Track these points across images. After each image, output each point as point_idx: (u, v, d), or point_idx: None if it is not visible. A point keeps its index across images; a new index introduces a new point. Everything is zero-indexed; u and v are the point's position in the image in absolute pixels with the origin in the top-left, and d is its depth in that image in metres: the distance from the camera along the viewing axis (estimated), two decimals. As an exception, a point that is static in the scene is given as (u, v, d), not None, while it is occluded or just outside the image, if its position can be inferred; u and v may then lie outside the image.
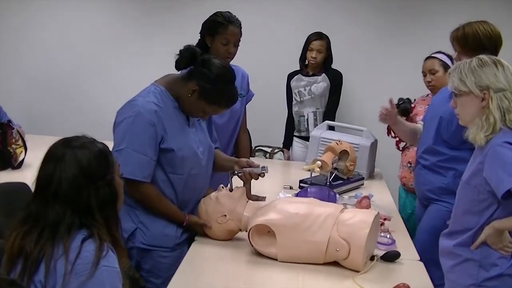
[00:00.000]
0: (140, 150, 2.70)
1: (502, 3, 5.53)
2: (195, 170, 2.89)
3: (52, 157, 1.92)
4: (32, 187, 1.96)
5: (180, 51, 2.76)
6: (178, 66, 2.79)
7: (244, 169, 3.03)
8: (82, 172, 1.89)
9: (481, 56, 2.38)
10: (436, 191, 3.21)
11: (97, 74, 6.16)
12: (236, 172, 3.03)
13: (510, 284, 2.29)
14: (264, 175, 3.04)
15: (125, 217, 2.75)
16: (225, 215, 2.81)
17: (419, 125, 3.56)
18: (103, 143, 2.01)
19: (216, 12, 3.39)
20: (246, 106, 3.76)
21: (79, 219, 1.88)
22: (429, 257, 2.76)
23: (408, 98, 4.39)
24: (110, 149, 2.06)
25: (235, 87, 2.84)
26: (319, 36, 5.08)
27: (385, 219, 3.05)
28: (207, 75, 2.73)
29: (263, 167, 3.02)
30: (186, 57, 2.75)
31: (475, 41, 2.95)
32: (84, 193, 1.89)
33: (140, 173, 2.72)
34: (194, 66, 2.77)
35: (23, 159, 4.17)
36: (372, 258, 2.70)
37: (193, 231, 2.92)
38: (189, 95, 2.76)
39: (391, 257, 2.73)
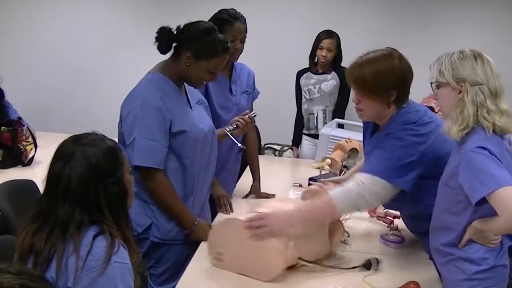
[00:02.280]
0: (150, 137, 2.70)
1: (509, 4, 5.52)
2: (205, 151, 2.92)
3: (62, 154, 1.93)
4: (42, 184, 1.97)
5: (157, 35, 2.78)
6: (162, 49, 2.81)
7: (234, 119, 3.18)
8: (91, 169, 1.89)
9: (463, 49, 2.32)
10: (419, 232, 2.92)
11: (107, 71, 6.20)
12: (230, 127, 3.12)
13: (503, 273, 2.28)
14: (255, 116, 3.26)
15: (140, 211, 2.82)
16: None
17: None
18: (113, 140, 2.01)
19: (221, 9, 3.38)
20: (256, 104, 3.75)
21: (89, 216, 1.89)
22: None
23: None
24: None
25: (221, 35, 2.85)
26: (329, 34, 5.07)
27: (394, 217, 3.04)
28: (192, 36, 2.76)
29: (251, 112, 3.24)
30: (165, 37, 2.78)
31: (374, 80, 2.54)
32: (93, 191, 1.89)
33: (152, 160, 2.72)
34: (176, 39, 2.79)
35: (33, 156, 4.20)
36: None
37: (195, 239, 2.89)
38: (187, 64, 2.77)
39: (368, 265, 2.61)
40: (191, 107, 2.93)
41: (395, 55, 2.61)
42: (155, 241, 2.85)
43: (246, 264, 2.51)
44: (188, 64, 2.77)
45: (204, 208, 3.06)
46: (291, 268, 2.54)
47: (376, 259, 2.62)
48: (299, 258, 2.50)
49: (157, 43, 2.80)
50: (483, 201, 2.08)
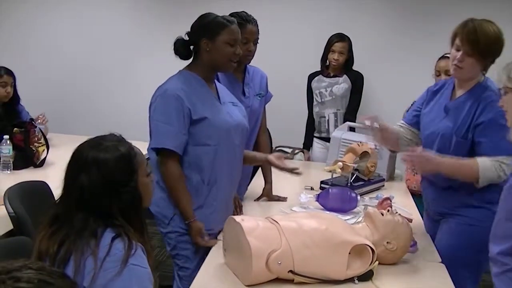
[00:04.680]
0: (166, 121, 2.82)
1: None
2: (230, 143, 2.98)
3: (76, 162, 1.94)
4: (54, 186, 1.98)
5: (174, 47, 2.96)
6: (183, 55, 2.99)
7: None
8: (103, 180, 1.89)
9: None
10: (450, 207, 3.00)
11: (118, 72, 6.22)
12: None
13: None
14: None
15: (165, 203, 2.92)
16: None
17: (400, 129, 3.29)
18: (128, 145, 2.00)
19: (232, 13, 3.37)
20: (267, 106, 3.76)
21: (104, 222, 1.89)
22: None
23: None
24: (142, 150, 2.06)
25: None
26: (341, 37, 5.07)
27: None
28: (199, 26, 2.94)
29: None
30: (181, 45, 2.96)
31: (486, 44, 2.78)
32: (106, 201, 1.89)
33: (169, 142, 2.82)
34: (190, 41, 2.96)
35: (45, 158, 4.21)
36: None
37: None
38: (208, 49, 2.92)
39: (366, 276, 2.50)
40: (220, 102, 3.02)
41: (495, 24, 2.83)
42: (180, 232, 2.93)
43: (236, 263, 2.52)
44: (208, 49, 2.91)
45: (229, 206, 3.13)
46: (290, 282, 2.43)
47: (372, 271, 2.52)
48: (290, 271, 2.39)
49: (177, 55, 2.98)
50: None
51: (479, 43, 2.75)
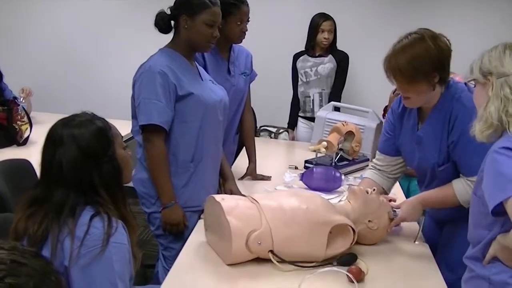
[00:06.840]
0: (153, 97, 2.82)
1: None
2: (215, 119, 3.01)
3: (51, 140, 1.93)
4: (38, 167, 1.97)
5: (155, 19, 2.97)
6: (162, 28, 2.98)
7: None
8: (81, 153, 1.89)
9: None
10: (454, 215, 2.69)
11: (100, 53, 6.18)
12: None
13: None
14: None
15: (151, 183, 2.94)
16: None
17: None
18: (101, 119, 2.01)
19: None
20: (252, 86, 3.75)
21: (84, 198, 1.88)
22: None
23: None
24: (122, 128, 2.06)
25: None
26: (326, 16, 5.06)
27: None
28: (181, 2, 2.93)
29: None
30: (161, 18, 2.96)
31: (413, 66, 2.44)
32: (86, 173, 1.89)
33: (157, 118, 2.82)
34: (171, 16, 2.96)
35: (28, 136, 4.18)
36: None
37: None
38: (186, 27, 2.91)
39: (347, 260, 2.46)
40: (202, 79, 3.04)
41: (427, 36, 2.46)
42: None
43: (217, 242, 2.52)
44: (186, 26, 2.90)
45: (215, 183, 3.16)
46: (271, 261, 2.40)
47: (355, 255, 2.50)
48: (270, 251, 2.37)
49: (157, 27, 2.98)
50: (502, 209, 1.79)
51: (401, 69, 2.45)
